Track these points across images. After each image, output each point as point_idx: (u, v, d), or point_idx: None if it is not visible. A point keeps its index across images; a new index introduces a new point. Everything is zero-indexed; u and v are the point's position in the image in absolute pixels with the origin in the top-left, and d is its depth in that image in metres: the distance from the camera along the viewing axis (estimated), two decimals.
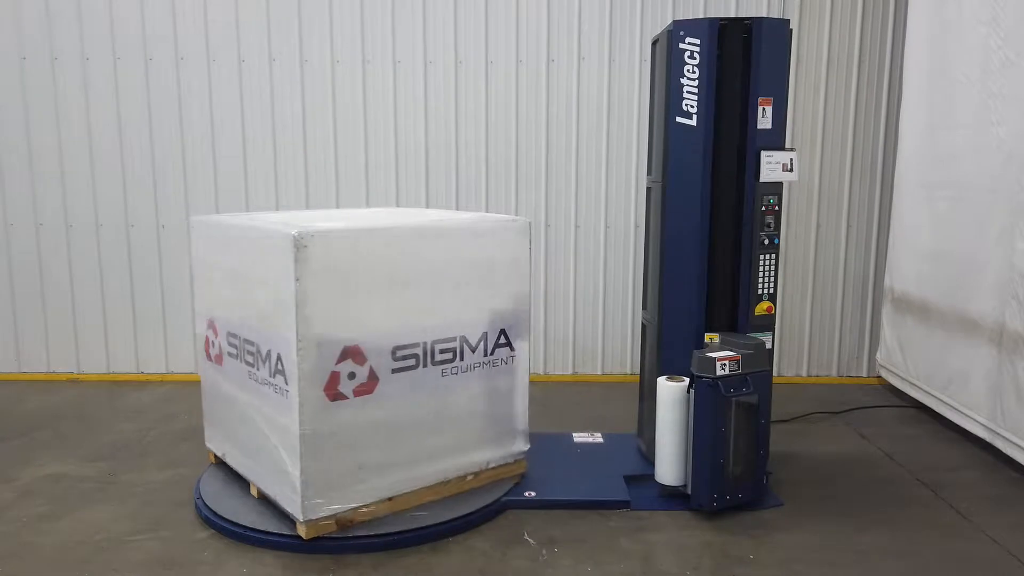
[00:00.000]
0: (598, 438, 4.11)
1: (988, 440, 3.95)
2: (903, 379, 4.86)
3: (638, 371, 4.00)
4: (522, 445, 3.58)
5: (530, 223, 3.48)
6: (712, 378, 3.20)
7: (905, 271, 4.84)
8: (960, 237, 4.23)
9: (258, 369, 3.12)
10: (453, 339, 3.26)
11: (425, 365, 3.20)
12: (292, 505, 2.99)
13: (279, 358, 2.96)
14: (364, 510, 3.10)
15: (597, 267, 5.33)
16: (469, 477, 3.39)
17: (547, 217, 5.27)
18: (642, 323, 3.88)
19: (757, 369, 3.32)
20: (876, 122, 5.18)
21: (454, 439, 3.32)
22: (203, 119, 5.15)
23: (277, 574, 2.86)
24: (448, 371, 3.27)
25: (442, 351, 3.24)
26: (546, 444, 3.99)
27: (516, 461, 3.57)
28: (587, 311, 5.37)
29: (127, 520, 3.28)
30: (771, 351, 3.49)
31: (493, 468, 3.47)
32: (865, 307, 5.36)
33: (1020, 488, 3.64)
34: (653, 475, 3.62)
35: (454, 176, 5.22)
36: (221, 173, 5.20)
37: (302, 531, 2.97)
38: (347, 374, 2.98)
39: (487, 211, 5.24)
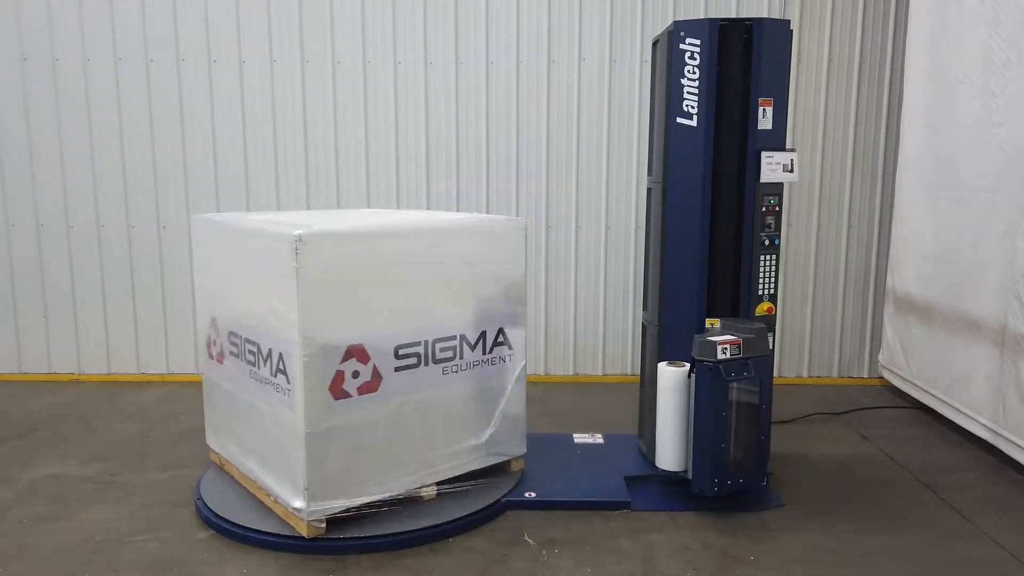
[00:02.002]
0: (598, 439, 4.10)
1: (990, 441, 3.94)
2: (905, 380, 4.85)
3: (639, 372, 3.99)
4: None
5: (297, 236, 2.81)
6: (713, 362, 3.19)
7: (907, 272, 4.84)
8: (962, 238, 4.23)
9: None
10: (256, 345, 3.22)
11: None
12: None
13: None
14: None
15: (598, 268, 5.32)
16: None
17: (548, 218, 5.27)
18: (643, 324, 3.88)
19: (758, 353, 3.30)
20: (877, 122, 5.18)
21: None
22: (204, 120, 5.16)
23: (278, 575, 2.86)
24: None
25: (250, 353, 3.27)
26: (546, 445, 3.99)
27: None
28: (588, 312, 5.36)
29: (127, 521, 3.28)
30: (772, 352, 3.48)
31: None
32: (866, 308, 5.35)
33: (1022, 490, 3.64)
34: (654, 476, 3.62)
35: (455, 176, 5.22)
36: (222, 174, 5.21)
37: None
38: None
39: (488, 212, 5.24)
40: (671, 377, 3.35)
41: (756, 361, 3.29)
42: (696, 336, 3.27)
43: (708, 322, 3.49)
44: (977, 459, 3.99)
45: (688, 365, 3.31)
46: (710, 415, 3.22)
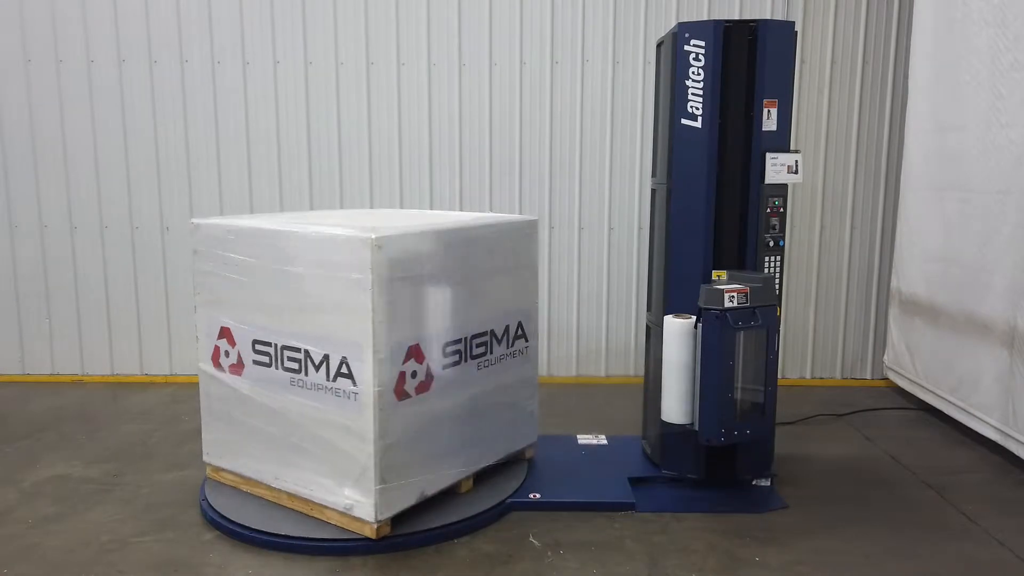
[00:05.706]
0: (602, 440, 4.10)
1: (1000, 443, 3.93)
2: (911, 381, 4.84)
3: (642, 373, 3.99)
4: None
5: (374, 239, 2.90)
6: (720, 310, 3.15)
7: (912, 273, 4.83)
8: (970, 239, 4.22)
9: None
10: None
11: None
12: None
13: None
14: None
15: (601, 269, 5.32)
16: None
17: (551, 219, 5.27)
18: (646, 325, 3.87)
19: (765, 303, 3.27)
20: (880, 123, 5.17)
21: None
22: (207, 121, 5.16)
23: None
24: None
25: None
26: (550, 446, 3.99)
27: None
28: (591, 313, 5.36)
29: (132, 522, 3.28)
30: (780, 302, 3.46)
31: None
32: (869, 309, 5.35)
33: None
34: (659, 477, 3.62)
35: (458, 178, 5.22)
36: (225, 175, 5.21)
37: None
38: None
39: (491, 213, 5.24)
40: (677, 329, 3.31)
41: (763, 310, 3.26)
42: (703, 285, 3.25)
43: (715, 273, 3.46)
44: (983, 460, 3.99)
45: (694, 317, 3.29)
46: (717, 363, 3.19)
